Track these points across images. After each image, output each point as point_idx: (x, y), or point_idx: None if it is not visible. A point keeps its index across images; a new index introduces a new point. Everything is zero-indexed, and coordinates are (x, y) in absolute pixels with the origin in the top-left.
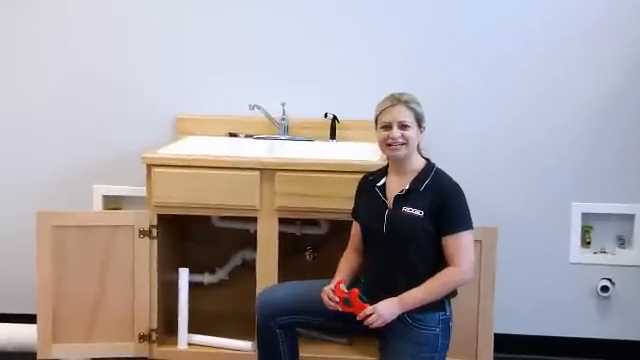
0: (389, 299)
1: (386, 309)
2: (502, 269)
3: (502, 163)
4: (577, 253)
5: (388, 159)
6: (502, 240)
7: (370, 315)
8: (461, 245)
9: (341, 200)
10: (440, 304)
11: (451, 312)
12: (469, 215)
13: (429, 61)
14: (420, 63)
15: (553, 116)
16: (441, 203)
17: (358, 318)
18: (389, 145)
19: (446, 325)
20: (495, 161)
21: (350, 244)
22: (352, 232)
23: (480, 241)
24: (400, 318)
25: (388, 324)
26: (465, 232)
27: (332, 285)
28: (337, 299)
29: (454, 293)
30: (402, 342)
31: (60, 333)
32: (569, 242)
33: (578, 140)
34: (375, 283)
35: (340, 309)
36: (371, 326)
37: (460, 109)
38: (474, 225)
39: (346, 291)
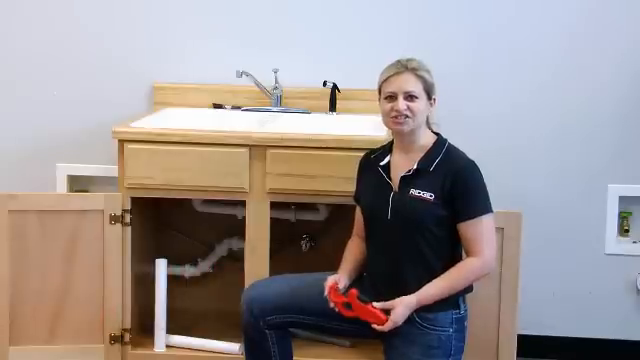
0: (405, 303)
1: (401, 317)
2: (527, 261)
3: (526, 139)
4: (614, 243)
5: (393, 134)
6: (527, 227)
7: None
8: (482, 231)
9: (342, 181)
10: (453, 301)
11: (466, 310)
12: (488, 197)
13: (444, 21)
14: (434, 23)
15: (585, 85)
16: (455, 184)
17: (374, 327)
18: (393, 118)
19: (461, 325)
20: (518, 137)
21: (354, 231)
22: (355, 217)
23: (502, 228)
24: (408, 318)
25: None
26: (485, 216)
27: (326, 291)
28: (336, 307)
29: (470, 288)
30: (410, 345)
31: (18, 334)
32: (604, 230)
33: (615, 113)
34: (380, 278)
35: (345, 315)
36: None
37: (479, 78)
38: (494, 210)
39: (342, 293)
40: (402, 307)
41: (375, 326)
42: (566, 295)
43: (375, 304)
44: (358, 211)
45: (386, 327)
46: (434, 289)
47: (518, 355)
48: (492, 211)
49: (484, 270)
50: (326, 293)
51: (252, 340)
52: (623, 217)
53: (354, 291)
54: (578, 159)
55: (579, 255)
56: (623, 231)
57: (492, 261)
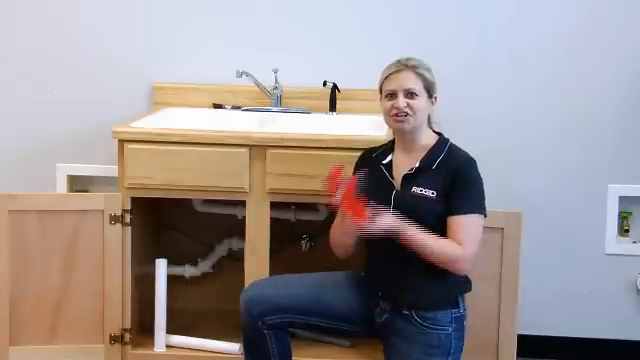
0: (391, 216)
1: (381, 223)
2: (527, 261)
3: (526, 139)
4: (613, 243)
5: (394, 133)
6: (527, 227)
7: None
8: (467, 228)
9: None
10: (452, 300)
11: (465, 309)
12: (483, 197)
13: (444, 21)
14: (434, 23)
15: (585, 85)
16: (453, 179)
17: (351, 223)
18: (394, 116)
19: (460, 324)
20: (518, 137)
21: None
22: (338, 215)
23: (502, 228)
24: (406, 317)
25: (393, 323)
26: (474, 215)
27: (332, 170)
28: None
29: (469, 287)
30: (409, 344)
31: (18, 334)
32: (604, 230)
33: (615, 113)
34: (380, 276)
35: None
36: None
37: (479, 78)
38: (494, 209)
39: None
40: (388, 217)
41: (353, 222)
42: (566, 295)
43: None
44: None
45: (362, 226)
46: (418, 234)
47: (518, 355)
48: (484, 213)
49: (461, 260)
50: (332, 168)
51: (251, 340)
52: (623, 217)
53: (354, 181)
54: (578, 159)
55: (579, 255)
56: (623, 231)
57: (469, 258)
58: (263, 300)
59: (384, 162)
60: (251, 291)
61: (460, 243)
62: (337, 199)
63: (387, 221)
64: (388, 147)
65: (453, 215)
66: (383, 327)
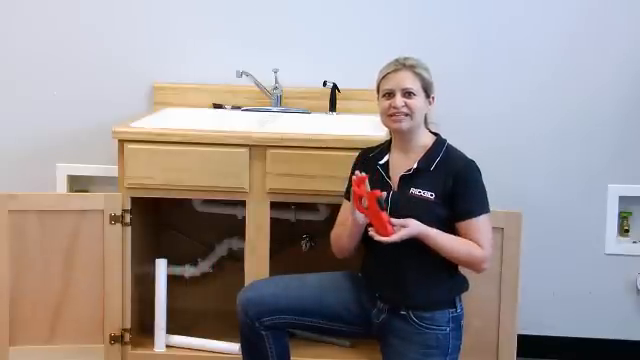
0: (417, 224)
1: (406, 235)
2: (527, 261)
3: (526, 139)
4: (613, 243)
5: (391, 133)
6: (527, 227)
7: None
8: (483, 229)
9: (342, 181)
10: (450, 300)
11: (462, 309)
12: (486, 197)
13: (444, 21)
14: (434, 23)
15: (585, 85)
16: (456, 183)
17: (374, 236)
18: (391, 116)
19: (457, 324)
20: (518, 137)
21: (338, 222)
22: (339, 216)
23: (502, 228)
24: (404, 317)
25: (390, 324)
26: (484, 216)
27: (356, 176)
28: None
29: (466, 287)
30: (407, 344)
31: (18, 334)
32: (604, 230)
33: (615, 113)
34: (378, 278)
35: (357, 208)
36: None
37: (479, 78)
38: (494, 209)
39: (369, 189)
40: (412, 227)
41: (377, 236)
42: (566, 295)
43: (392, 220)
44: (345, 205)
45: (387, 240)
46: (442, 237)
47: (518, 355)
48: (489, 212)
49: (483, 262)
50: (354, 178)
51: (248, 340)
52: (623, 217)
53: (377, 192)
54: (578, 159)
55: (579, 255)
56: (623, 231)
57: (490, 258)
58: (262, 302)
59: (381, 162)
60: (249, 292)
61: (481, 245)
62: (363, 207)
63: (409, 231)
64: (385, 147)
65: (466, 219)
66: (381, 327)
